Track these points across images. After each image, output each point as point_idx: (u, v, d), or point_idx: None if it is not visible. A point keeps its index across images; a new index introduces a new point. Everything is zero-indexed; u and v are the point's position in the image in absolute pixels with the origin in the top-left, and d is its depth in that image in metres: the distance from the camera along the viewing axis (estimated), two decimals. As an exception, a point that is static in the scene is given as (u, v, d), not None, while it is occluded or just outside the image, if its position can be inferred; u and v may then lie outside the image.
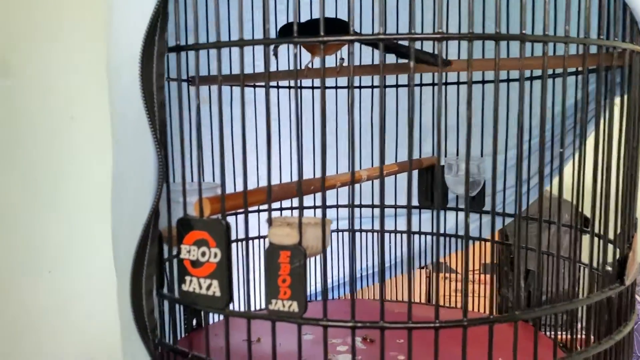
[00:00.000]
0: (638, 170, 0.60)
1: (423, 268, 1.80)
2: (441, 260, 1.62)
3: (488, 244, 0.98)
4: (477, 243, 0.99)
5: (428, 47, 0.83)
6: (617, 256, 0.55)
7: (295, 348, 0.47)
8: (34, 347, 1.01)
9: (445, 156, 0.98)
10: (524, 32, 0.43)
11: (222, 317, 0.89)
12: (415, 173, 1.02)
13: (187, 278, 0.49)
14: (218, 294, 0.48)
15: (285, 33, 0.67)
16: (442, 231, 1.03)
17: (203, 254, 0.48)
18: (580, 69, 0.78)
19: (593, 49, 0.49)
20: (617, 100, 0.63)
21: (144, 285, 0.50)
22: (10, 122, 0.94)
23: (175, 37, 0.49)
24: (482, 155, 0.95)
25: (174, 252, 0.52)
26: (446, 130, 0.95)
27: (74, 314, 1.06)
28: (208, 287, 0.48)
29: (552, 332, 0.89)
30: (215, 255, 0.47)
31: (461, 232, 1.02)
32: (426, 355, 0.47)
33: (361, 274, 1.10)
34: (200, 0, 0.64)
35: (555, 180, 0.84)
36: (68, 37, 1.00)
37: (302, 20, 0.81)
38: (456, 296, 1.60)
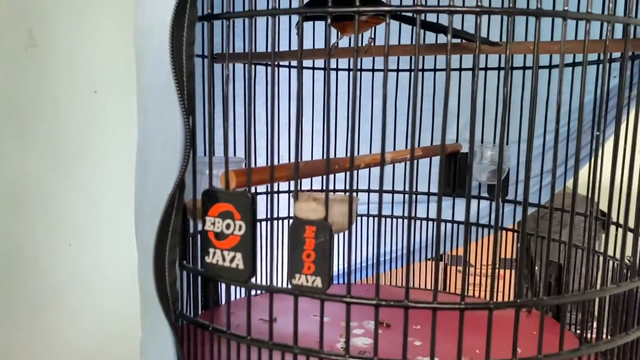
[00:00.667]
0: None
1: (440, 260, 1.79)
2: (457, 252, 1.61)
3: (508, 238, 0.96)
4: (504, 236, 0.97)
5: (469, 23, 0.81)
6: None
7: (310, 329, 0.47)
8: (54, 320, 1.02)
9: (474, 143, 0.96)
10: (566, 8, 0.42)
11: (240, 295, 0.90)
12: (436, 160, 1.00)
13: (211, 250, 0.49)
14: (241, 266, 0.47)
15: (313, 4, 0.66)
16: (462, 219, 1.01)
17: (227, 226, 0.48)
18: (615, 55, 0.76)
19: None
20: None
21: (167, 256, 0.50)
22: (33, 95, 0.95)
23: (209, 5, 0.48)
24: (507, 143, 0.93)
25: (199, 227, 0.52)
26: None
27: (94, 287, 1.07)
28: (232, 260, 0.48)
29: (574, 326, 0.88)
30: (240, 227, 0.47)
31: (483, 221, 1.01)
32: (444, 341, 0.46)
33: (383, 259, 1.10)
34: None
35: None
36: (94, 10, 1.00)
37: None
38: (473, 290, 1.58)
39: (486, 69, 0.94)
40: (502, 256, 1.74)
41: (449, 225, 1.03)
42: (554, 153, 0.45)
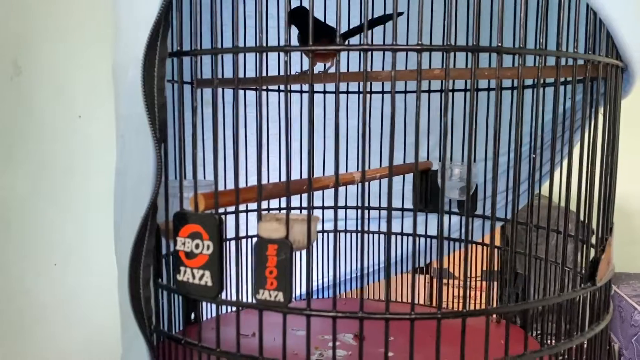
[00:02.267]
0: (615, 178, 0.63)
1: (423, 273, 1.83)
2: (438, 265, 1.64)
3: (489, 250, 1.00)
4: (478, 249, 1.01)
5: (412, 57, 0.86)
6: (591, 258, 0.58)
7: (289, 343, 0.50)
8: (39, 338, 1.04)
9: (439, 161, 1.01)
10: (499, 44, 0.46)
11: (224, 311, 0.93)
12: (409, 177, 1.05)
13: (182, 268, 0.52)
14: (210, 283, 0.51)
15: (294, 16, 0.70)
16: (434, 234, 1.06)
17: (197, 246, 0.51)
18: (569, 79, 0.81)
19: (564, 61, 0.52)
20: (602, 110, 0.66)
21: (141, 274, 0.54)
22: (20, 120, 0.98)
23: (179, 42, 0.52)
24: (474, 161, 0.97)
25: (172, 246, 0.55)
26: (440, 136, 0.98)
27: (79, 306, 1.09)
28: (201, 277, 0.51)
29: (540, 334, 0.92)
30: (208, 247, 0.51)
31: (454, 235, 1.05)
32: (417, 352, 0.49)
33: (344, 278, 1.14)
34: (204, 7, 0.68)
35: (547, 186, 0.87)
36: (76, 39, 1.04)
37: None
38: (458, 302, 1.61)
39: (453, 90, 0.98)
40: (485, 268, 1.78)
41: (422, 239, 1.07)
42: (515, 172, 0.49)
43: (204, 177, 0.79)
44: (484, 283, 1.73)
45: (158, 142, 0.52)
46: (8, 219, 0.98)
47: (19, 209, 1.00)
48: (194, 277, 0.52)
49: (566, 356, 0.56)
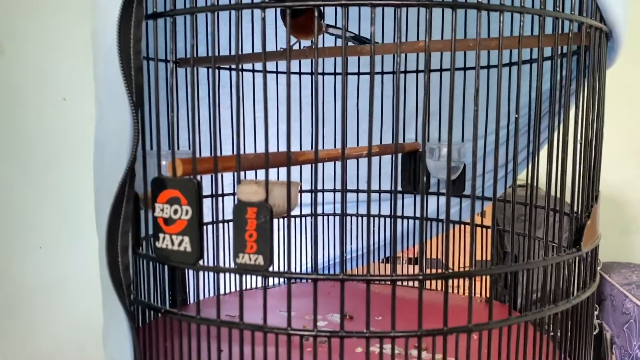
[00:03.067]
0: (600, 145, 0.63)
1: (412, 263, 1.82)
2: (436, 255, 1.65)
3: (484, 235, 1.00)
4: (468, 230, 1.01)
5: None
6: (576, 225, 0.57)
7: (275, 322, 0.49)
8: (26, 322, 1.03)
9: (428, 141, 1.00)
10: (480, 0, 0.46)
11: (209, 295, 0.92)
12: (398, 159, 1.04)
13: (161, 235, 0.51)
14: (189, 249, 0.50)
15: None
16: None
17: (175, 212, 0.50)
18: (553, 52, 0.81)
19: (548, 24, 0.51)
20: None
21: (119, 242, 0.53)
22: (3, 102, 0.97)
23: (153, 4, 0.51)
24: (462, 140, 0.97)
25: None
26: (428, 116, 0.98)
27: (65, 289, 1.08)
28: (180, 243, 0.51)
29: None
30: (187, 212, 0.50)
31: (443, 216, 1.04)
32: (401, 327, 0.48)
33: (345, 257, 1.13)
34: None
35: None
36: (60, 20, 1.03)
37: None
38: (452, 290, 1.61)
39: (441, 70, 0.98)
40: (481, 258, 1.78)
41: (411, 222, 1.06)
42: (495, 155, 0.48)
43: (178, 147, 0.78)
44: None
45: (135, 107, 0.51)
46: (-8, 202, 0.97)
47: (3, 192, 0.99)
48: (172, 243, 0.51)
49: (551, 323, 0.55)
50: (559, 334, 0.56)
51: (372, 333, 0.48)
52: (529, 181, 0.57)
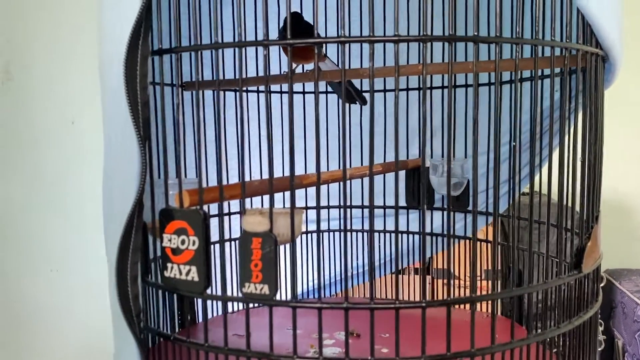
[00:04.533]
0: (600, 167, 0.63)
1: (418, 273, 1.83)
2: (442, 266, 1.65)
3: (489, 249, 1.00)
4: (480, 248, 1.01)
5: (389, 49, 0.87)
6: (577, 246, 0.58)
7: (282, 341, 0.50)
8: (37, 344, 1.05)
9: (431, 157, 1.01)
10: (475, 34, 0.47)
11: (217, 313, 0.93)
12: (403, 175, 1.05)
13: (169, 265, 0.53)
14: (197, 279, 0.51)
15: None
16: (428, 231, 1.06)
17: (182, 242, 0.52)
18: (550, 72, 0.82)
19: (546, 51, 0.52)
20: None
21: (129, 272, 0.54)
22: (12, 127, 0.99)
23: (159, 40, 0.53)
24: (465, 156, 0.98)
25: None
26: (432, 132, 0.99)
27: (76, 311, 1.10)
28: (187, 273, 0.52)
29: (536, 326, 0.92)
30: (194, 242, 0.51)
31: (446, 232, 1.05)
32: (407, 346, 0.49)
33: (351, 273, 1.14)
34: (183, 7, 0.68)
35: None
36: (67, 45, 1.05)
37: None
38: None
39: (442, 87, 0.99)
40: (485, 267, 1.78)
41: (417, 237, 1.07)
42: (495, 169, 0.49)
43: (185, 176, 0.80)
44: (484, 282, 1.73)
45: (142, 140, 0.52)
46: (3, 225, 0.99)
47: (15, 215, 1.00)
48: (180, 272, 0.52)
49: (557, 346, 0.56)
50: (562, 350, 0.57)
51: None
52: (531, 198, 0.58)
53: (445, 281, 1.67)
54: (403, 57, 0.88)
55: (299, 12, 0.78)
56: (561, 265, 0.58)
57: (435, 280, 1.83)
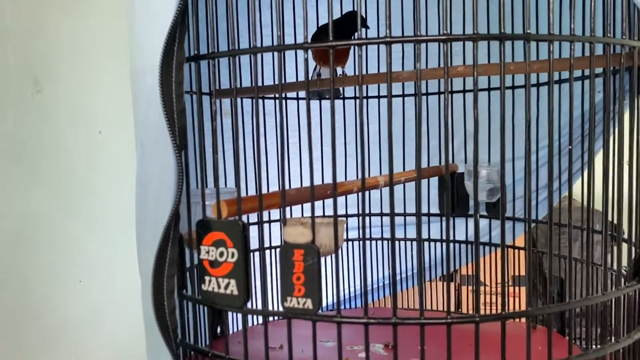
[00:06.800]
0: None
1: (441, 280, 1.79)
2: (469, 272, 1.61)
3: (521, 255, 0.97)
4: (509, 253, 0.98)
5: (434, 48, 0.85)
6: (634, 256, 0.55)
7: (318, 355, 0.48)
8: (67, 354, 1.04)
9: (466, 162, 0.98)
10: (528, 31, 0.44)
11: (253, 323, 0.91)
12: (434, 181, 1.02)
13: (207, 278, 0.51)
14: (236, 292, 0.49)
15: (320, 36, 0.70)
16: (462, 238, 1.03)
17: (221, 254, 0.50)
18: (587, 73, 0.78)
19: (599, 48, 0.50)
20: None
21: (165, 285, 0.52)
22: (41, 138, 0.99)
23: (195, 46, 0.51)
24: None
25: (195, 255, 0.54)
26: (465, 137, 0.96)
27: (104, 323, 1.08)
28: (226, 287, 0.50)
29: (580, 339, 0.88)
30: (233, 255, 0.49)
31: (483, 239, 1.02)
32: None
33: (372, 287, 1.11)
34: (221, 11, 0.67)
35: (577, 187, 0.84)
36: (96, 55, 1.04)
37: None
38: (485, 309, 1.58)
39: (471, 90, 0.96)
40: (516, 273, 1.73)
41: (450, 245, 1.04)
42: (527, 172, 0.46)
43: (225, 187, 0.78)
44: (515, 289, 1.68)
45: (178, 149, 0.51)
46: (33, 237, 0.98)
47: (43, 226, 1.00)
48: (219, 286, 0.50)
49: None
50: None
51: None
52: (583, 204, 0.55)
53: (495, 291, 1.63)
54: (425, 58, 0.85)
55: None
56: (619, 276, 0.55)
57: (461, 287, 1.79)
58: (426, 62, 0.91)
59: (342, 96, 1.00)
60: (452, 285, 1.81)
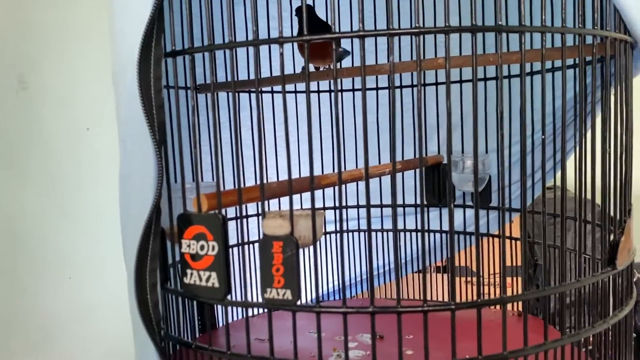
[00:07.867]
0: (631, 158, 0.61)
1: (442, 272, 1.80)
2: (465, 263, 1.63)
3: (514, 246, 0.98)
4: (496, 243, 0.99)
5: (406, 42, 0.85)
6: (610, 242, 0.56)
7: (305, 345, 0.49)
8: (57, 353, 1.04)
9: (451, 154, 0.99)
10: (500, 23, 0.45)
11: (237, 317, 0.92)
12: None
13: (188, 271, 0.51)
14: (217, 285, 0.50)
15: (297, 13, 0.70)
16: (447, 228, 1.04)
17: (202, 247, 0.50)
18: (577, 61, 0.79)
19: (570, 38, 0.50)
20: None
21: (148, 279, 0.53)
22: (27, 135, 0.99)
23: (172, 42, 0.52)
24: (486, 152, 0.95)
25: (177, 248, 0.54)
26: (450, 128, 0.97)
27: (94, 319, 1.09)
28: (207, 279, 0.50)
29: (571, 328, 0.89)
30: (213, 248, 0.50)
31: (470, 229, 1.03)
32: (434, 349, 0.47)
33: (361, 278, 1.12)
34: (195, 7, 0.67)
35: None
36: (80, 51, 1.04)
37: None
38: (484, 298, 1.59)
39: (461, 81, 0.97)
40: (511, 264, 1.74)
41: (437, 235, 1.05)
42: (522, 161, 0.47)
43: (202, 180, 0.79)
44: (510, 279, 1.69)
45: (158, 144, 0.51)
46: (20, 234, 0.99)
47: (30, 224, 1.00)
48: (200, 279, 0.51)
49: (589, 345, 0.54)
50: (597, 350, 0.55)
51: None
52: (556, 194, 0.56)
53: (468, 280, 1.64)
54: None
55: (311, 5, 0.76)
56: (594, 262, 0.56)
57: (466, 284, 1.80)
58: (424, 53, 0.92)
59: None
60: (446, 277, 1.82)
